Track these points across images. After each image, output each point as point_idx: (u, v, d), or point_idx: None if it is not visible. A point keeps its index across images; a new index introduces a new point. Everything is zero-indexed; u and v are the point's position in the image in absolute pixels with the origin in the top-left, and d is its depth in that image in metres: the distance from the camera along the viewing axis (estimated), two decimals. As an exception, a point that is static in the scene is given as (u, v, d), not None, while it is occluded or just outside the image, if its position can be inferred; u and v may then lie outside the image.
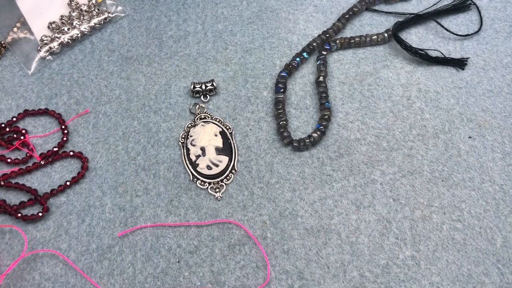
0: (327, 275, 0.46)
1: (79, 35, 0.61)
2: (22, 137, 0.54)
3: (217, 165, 0.51)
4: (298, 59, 0.58)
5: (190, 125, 0.54)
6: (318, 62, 0.58)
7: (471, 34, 0.60)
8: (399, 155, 0.52)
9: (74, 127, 0.55)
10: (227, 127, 0.54)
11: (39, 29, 0.61)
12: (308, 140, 0.52)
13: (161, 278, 0.46)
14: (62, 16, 0.61)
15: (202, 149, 0.52)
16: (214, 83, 0.56)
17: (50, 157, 0.53)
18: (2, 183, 0.51)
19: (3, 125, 0.54)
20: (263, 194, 0.50)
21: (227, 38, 0.61)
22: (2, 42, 0.60)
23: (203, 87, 0.56)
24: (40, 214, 0.49)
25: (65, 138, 0.54)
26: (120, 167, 0.52)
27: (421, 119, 0.54)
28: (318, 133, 0.53)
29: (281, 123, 0.53)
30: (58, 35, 0.60)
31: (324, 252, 0.47)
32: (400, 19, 0.61)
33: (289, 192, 0.50)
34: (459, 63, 0.58)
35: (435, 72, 0.58)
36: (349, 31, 0.62)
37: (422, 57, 0.58)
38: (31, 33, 0.61)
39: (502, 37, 0.60)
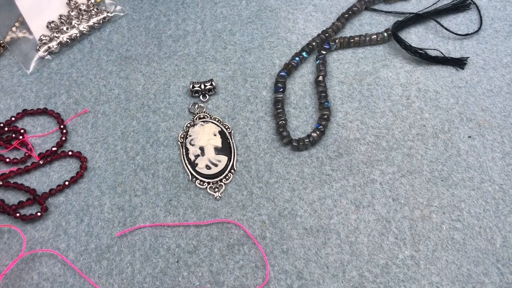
0: (326, 275, 0.46)
1: (78, 35, 0.61)
2: (20, 137, 0.53)
3: (216, 165, 0.51)
4: (297, 58, 0.58)
5: (189, 125, 0.54)
6: (317, 62, 0.58)
7: (471, 33, 0.60)
8: (398, 155, 0.52)
9: (73, 127, 0.55)
10: (226, 127, 0.54)
11: (38, 29, 0.61)
12: (307, 140, 0.52)
13: (160, 278, 0.46)
14: (61, 15, 0.61)
15: (201, 148, 0.52)
16: (213, 83, 0.56)
17: (49, 157, 0.53)
18: (1, 182, 0.51)
19: (1, 124, 0.54)
20: (262, 194, 0.50)
21: (226, 37, 0.61)
22: (1, 41, 0.60)
23: (202, 86, 0.56)
24: (39, 214, 0.49)
25: (64, 138, 0.54)
26: (119, 167, 0.52)
27: (421, 119, 0.54)
28: (318, 132, 0.52)
29: (280, 122, 0.53)
30: (57, 35, 0.60)
31: (323, 252, 0.47)
32: (400, 19, 0.61)
33: (288, 191, 0.50)
34: (459, 63, 0.58)
35: (434, 71, 0.58)
36: (349, 31, 0.61)
37: (421, 57, 0.58)
38: (30, 32, 0.61)
39: (502, 37, 0.60)
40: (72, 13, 0.61)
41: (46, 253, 0.48)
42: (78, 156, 0.52)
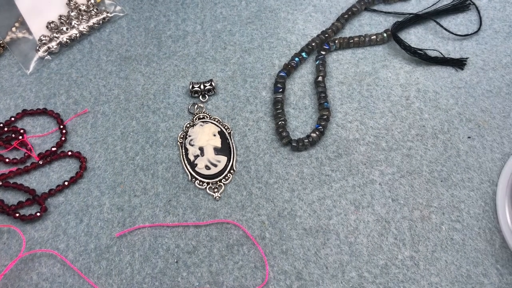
0: (325, 275, 0.46)
1: (77, 35, 0.61)
2: (20, 137, 0.53)
3: (215, 165, 0.51)
4: (297, 59, 0.58)
5: (188, 125, 0.54)
6: (317, 62, 0.58)
7: (471, 34, 0.60)
8: (398, 155, 0.52)
9: (72, 127, 0.55)
10: (226, 127, 0.54)
11: (38, 29, 0.61)
12: (307, 140, 0.52)
13: (159, 278, 0.46)
14: (60, 16, 0.61)
15: (201, 149, 0.52)
16: (212, 83, 0.56)
17: (49, 157, 0.53)
18: (0, 183, 0.51)
19: (1, 125, 0.54)
20: (262, 194, 0.50)
21: (226, 38, 0.61)
22: (1, 42, 0.60)
23: (202, 87, 0.56)
24: (38, 214, 0.49)
25: (63, 138, 0.54)
26: (119, 167, 0.52)
27: (420, 119, 0.54)
28: (317, 133, 0.52)
29: (279, 123, 0.53)
30: (56, 35, 0.60)
31: (323, 253, 0.47)
32: (399, 19, 0.61)
33: (287, 192, 0.50)
34: (458, 63, 0.58)
35: (434, 72, 0.58)
36: (348, 31, 0.61)
37: (421, 57, 0.58)
38: (30, 33, 0.61)
39: (501, 37, 0.60)
40: (72, 14, 0.61)
41: (46, 253, 0.48)
42: (77, 156, 0.52)
